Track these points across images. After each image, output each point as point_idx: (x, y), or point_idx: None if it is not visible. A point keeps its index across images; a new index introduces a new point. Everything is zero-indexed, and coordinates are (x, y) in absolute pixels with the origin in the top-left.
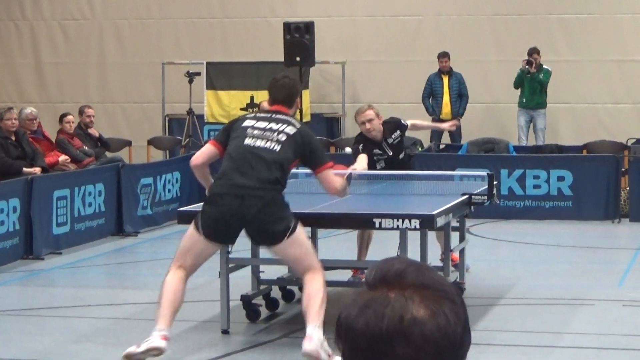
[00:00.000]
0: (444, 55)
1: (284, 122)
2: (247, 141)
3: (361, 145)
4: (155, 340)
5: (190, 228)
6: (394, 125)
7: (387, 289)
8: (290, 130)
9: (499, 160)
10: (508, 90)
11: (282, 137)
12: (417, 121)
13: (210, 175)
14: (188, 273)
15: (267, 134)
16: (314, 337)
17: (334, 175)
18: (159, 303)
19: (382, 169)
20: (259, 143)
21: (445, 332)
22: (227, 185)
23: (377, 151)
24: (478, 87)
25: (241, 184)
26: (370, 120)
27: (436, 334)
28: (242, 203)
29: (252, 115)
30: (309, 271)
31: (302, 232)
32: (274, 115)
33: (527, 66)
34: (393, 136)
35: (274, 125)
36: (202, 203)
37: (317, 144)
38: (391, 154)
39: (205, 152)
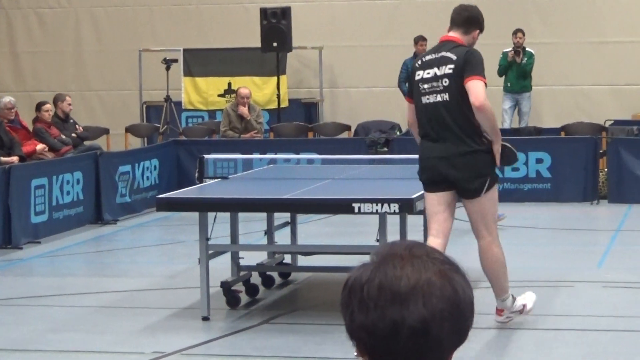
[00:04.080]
0: (421, 39)
1: (445, 61)
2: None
3: None
4: None
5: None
6: None
7: (401, 259)
8: (450, 69)
9: None
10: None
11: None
12: None
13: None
14: None
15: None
16: (504, 309)
17: (483, 89)
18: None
19: None
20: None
21: (460, 298)
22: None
23: None
24: None
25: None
26: None
27: (453, 297)
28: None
29: (417, 64)
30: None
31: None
32: (436, 55)
33: (515, 56)
34: None
35: (437, 71)
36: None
37: (476, 58)
38: None
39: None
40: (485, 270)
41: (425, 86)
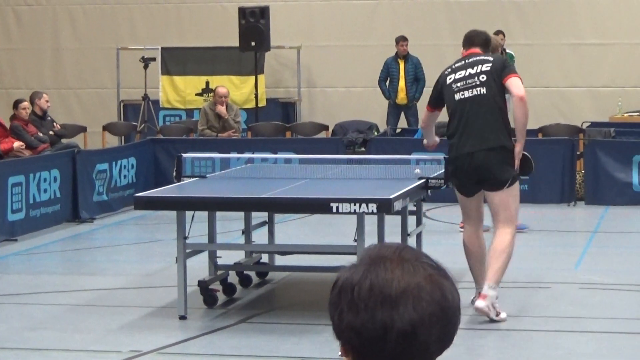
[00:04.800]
0: (402, 39)
1: (481, 62)
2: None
3: None
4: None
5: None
6: None
7: (390, 262)
8: (487, 67)
9: None
10: None
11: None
12: None
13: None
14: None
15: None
16: (489, 295)
17: (522, 85)
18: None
19: None
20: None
21: (448, 303)
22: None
23: None
24: (434, 71)
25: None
26: None
27: (442, 302)
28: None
29: (448, 70)
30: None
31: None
32: (468, 61)
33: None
34: None
35: (471, 70)
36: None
37: (511, 64)
38: None
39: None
40: (491, 254)
41: (459, 84)
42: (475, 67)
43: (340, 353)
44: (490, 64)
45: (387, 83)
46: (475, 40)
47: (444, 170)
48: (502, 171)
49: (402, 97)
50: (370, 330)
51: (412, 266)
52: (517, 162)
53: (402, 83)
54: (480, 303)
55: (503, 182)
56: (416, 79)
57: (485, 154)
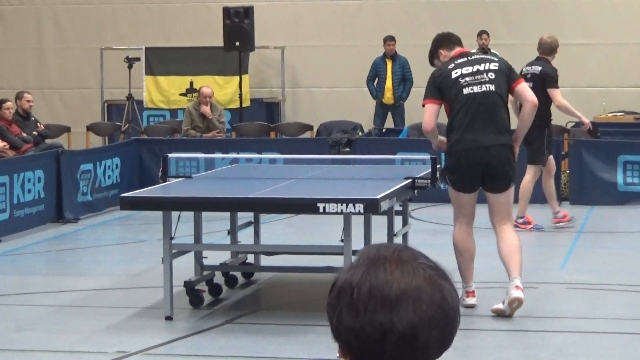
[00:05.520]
0: (390, 39)
1: (487, 60)
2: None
3: None
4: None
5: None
6: None
7: (390, 262)
8: (494, 66)
9: None
10: None
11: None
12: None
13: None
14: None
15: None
16: (521, 286)
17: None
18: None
19: None
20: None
21: (448, 305)
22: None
23: None
24: (419, 71)
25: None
26: None
27: (442, 304)
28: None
29: (451, 65)
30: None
31: None
32: (470, 58)
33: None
34: None
35: (479, 67)
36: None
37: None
38: None
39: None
40: (511, 249)
41: (468, 79)
42: (483, 64)
43: (338, 354)
44: (497, 64)
45: (375, 83)
46: (457, 40)
47: (430, 170)
48: (512, 169)
49: (389, 96)
50: (369, 333)
51: (411, 267)
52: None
53: (389, 83)
54: (518, 293)
55: (511, 180)
56: (403, 79)
57: (500, 149)
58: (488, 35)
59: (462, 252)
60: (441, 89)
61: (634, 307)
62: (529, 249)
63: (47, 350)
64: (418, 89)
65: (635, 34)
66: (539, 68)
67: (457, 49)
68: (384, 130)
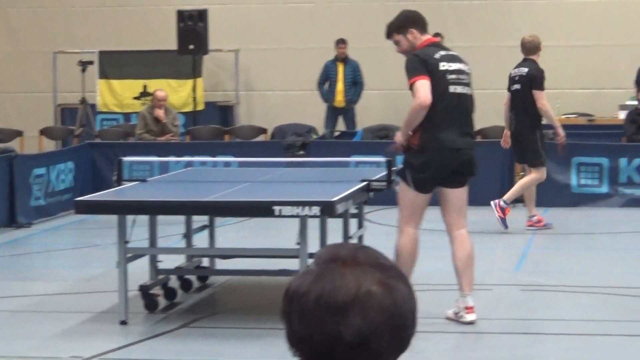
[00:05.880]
0: (341, 42)
1: (462, 60)
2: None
3: None
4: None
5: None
6: None
7: (342, 265)
8: (468, 69)
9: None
10: (404, 76)
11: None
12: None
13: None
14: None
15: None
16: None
17: None
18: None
19: None
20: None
21: (401, 308)
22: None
23: None
24: (373, 74)
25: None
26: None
27: (392, 309)
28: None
29: (437, 55)
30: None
31: None
32: (449, 52)
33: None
34: None
35: (460, 66)
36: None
37: None
38: None
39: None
40: (466, 262)
41: (453, 77)
42: (461, 64)
43: None
44: (468, 67)
45: (326, 86)
46: (426, 27)
47: (386, 172)
48: (477, 167)
49: (340, 100)
50: (319, 341)
51: (363, 271)
52: None
53: (340, 86)
54: (473, 317)
55: (472, 177)
56: (354, 82)
57: (471, 151)
58: (442, 37)
59: (407, 258)
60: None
61: (589, 308)
62: (483, 251)
63: (0, 357)
64: (369, 92)
65: (588, 36)
66: (526, 69)
67: (429, 37)
68: (338, 133)
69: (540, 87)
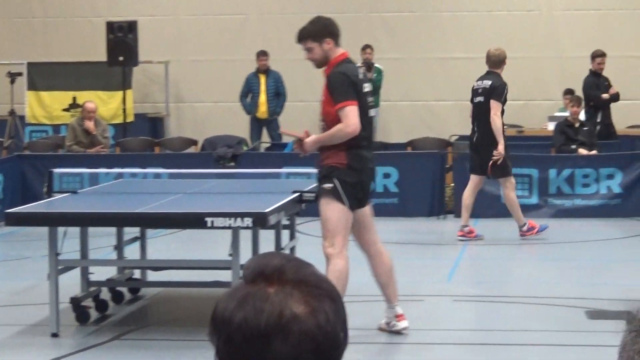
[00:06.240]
0: (262, 54)
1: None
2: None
3: None
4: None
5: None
6: None
7: (266, 284)
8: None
9: None
10: None
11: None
12: None
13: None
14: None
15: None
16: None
17: None
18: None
19: None
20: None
21: (325, 330)
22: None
23: None
24: (301, 86)
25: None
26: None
27: (315, 332)
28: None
29: (360, 76)
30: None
31: None
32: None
33: (365, 72)
34: None
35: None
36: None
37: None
38: None
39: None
40: (390, 274)
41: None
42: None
43: None
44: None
45: (249, 98)
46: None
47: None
48: None
49: (262, 111)
50: None
51: (288, 292)
52: None
53: (263, 97)
54: (406, 323)
55: None
56: (277, 93)
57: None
58: (372, 49)
59: (347, 282)
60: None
61: (520, 318)
62: (414, 262)
63: None
64: (296, 103)
65: (517, 48)
66: (489, 82)
67: (343, 51)
68: (268, 144)
69: (498, 98)
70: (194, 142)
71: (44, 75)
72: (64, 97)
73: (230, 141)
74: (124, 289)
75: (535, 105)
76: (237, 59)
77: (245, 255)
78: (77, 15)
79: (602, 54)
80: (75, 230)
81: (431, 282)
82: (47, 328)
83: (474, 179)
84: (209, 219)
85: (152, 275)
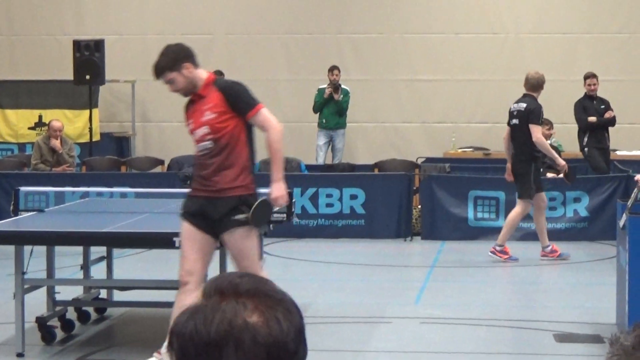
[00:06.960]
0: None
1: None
2: None
3: None
4: None
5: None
6: None
7: (220, 297)
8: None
9: (292, 179)
10: (298, 109)
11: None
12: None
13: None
14: None
15: None
16: None
17: None
18: None
19: None
20: None
21: (277, 339)
22: None
23: None
24: (268, 106)
25: None
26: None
27: (268, 340)
28: None
29: None
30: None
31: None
32: None
33: (333, 93)
34: None
35: None
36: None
37: None
38: None
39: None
40: None
41: None
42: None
43: None
44: None
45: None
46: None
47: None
48: None
49: None
50: None
51: (241, 303)
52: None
53: None
54: None
55: None
56: None
57: None
58: (339, 70)
59: None
60: None
61: (487, 341)
62: (381, 284)
63: None
64: None
65: (481, 71)
66: (524, 105)
67: (206, 72)
68: None
69: (536, 121)
70: (160, 162)
71: (9, 94)
72: (30, 116)
73: None
74: (90, 309)
75: (501, 128)
76: None
77: (212, 274)
78: (44, 34)
79: (592, 75)
80: (41, 249)
81: (398, 304)
82: (12, 348)
83: (528, 203)
84: (176, 239)
85: (118, 295)
